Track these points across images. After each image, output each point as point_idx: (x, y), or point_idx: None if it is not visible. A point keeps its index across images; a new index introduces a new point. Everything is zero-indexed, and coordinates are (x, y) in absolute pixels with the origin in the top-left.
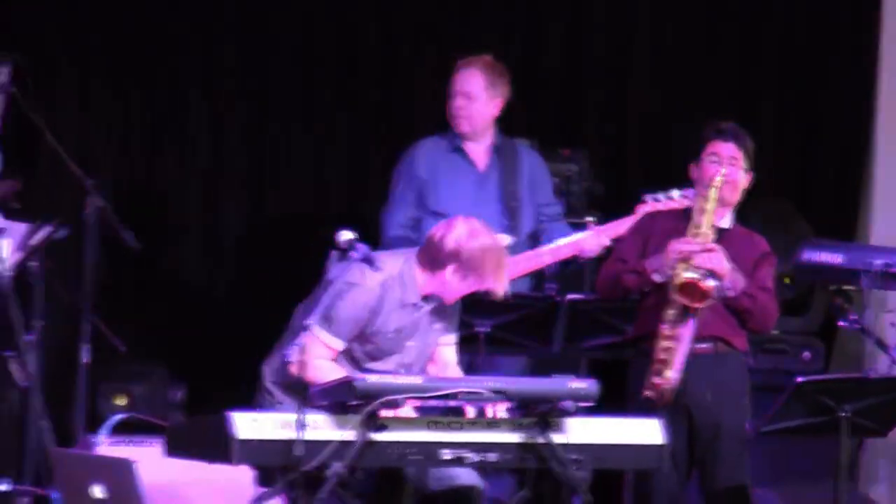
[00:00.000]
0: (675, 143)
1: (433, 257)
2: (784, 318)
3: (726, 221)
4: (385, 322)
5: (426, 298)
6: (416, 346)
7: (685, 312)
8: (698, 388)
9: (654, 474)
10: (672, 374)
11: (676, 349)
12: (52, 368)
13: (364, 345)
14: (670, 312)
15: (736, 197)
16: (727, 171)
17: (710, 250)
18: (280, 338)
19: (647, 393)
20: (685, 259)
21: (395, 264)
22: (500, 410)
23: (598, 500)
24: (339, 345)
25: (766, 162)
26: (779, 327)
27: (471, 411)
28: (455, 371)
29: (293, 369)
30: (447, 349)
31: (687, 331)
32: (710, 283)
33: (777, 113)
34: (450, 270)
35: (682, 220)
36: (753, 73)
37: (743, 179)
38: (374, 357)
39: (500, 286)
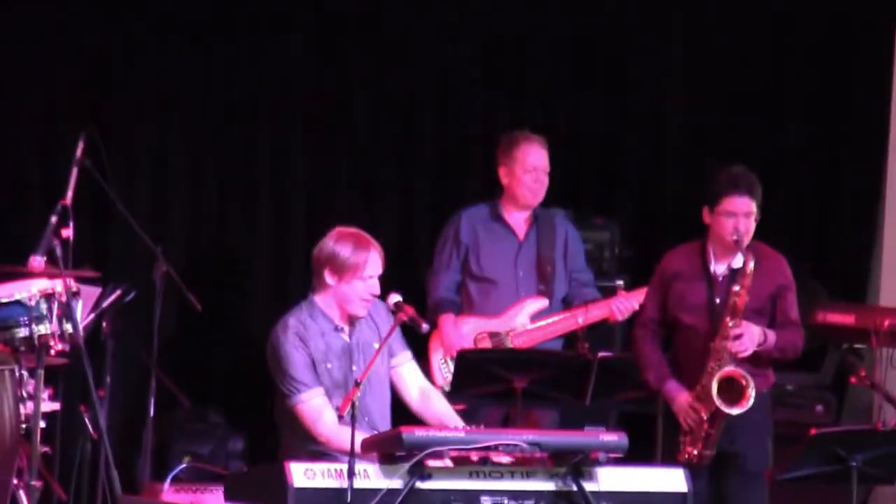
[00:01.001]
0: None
1: (315, 277)
2: (799, 375)
3: (739, 261)
4: (317, 354)
5: (350, 321)
6: (359, 370)
7: (716, 416)
8: (724, 431)
9: None
10: (707, 452)
11: (707, 429)
12: (122, 420)
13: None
14: (701, 405)
15: (748, 240)
16: (743, 224)
17: (738, 337)
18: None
19: (682, 458)
20: (719, 356)
21: (300, 309)
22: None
23: None
24: (320, 391)
25: (786, 231)
26: (794, 382)
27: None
28: (432, 390)
29: (322, 442)
30: (408, 368)
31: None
32: (751, 392)
33: (796, 190)
34: (327, 276)
35: (695, 257)
36: (774, 149)
37: (753, 225)
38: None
39: (375, 268)
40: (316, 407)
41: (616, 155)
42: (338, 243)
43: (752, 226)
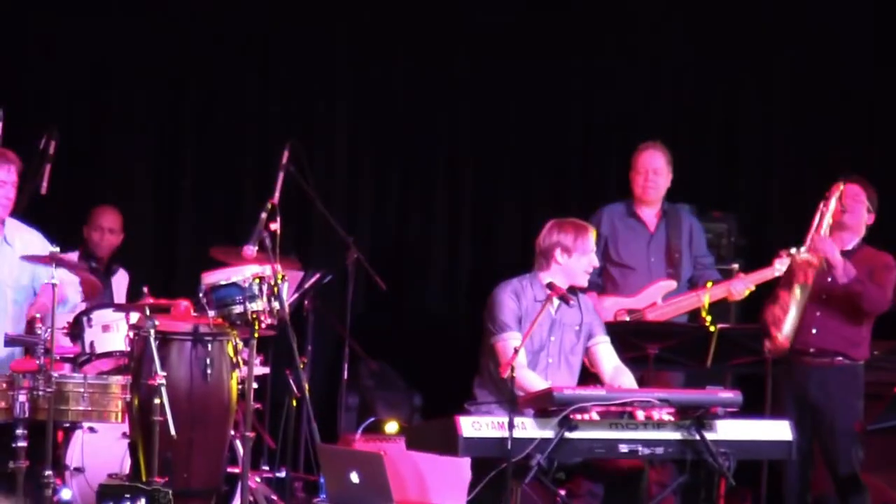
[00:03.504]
0: (810, 206)
1: (543, 256)
2: (886, 342)
3: (853, 244)
4: (526, 312)
5: (561, 297)
6: (556, 341)
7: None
8: (817, 394)
9: (785, 463)
10: (782, 338)
11: (788, 313)
12: (321, 382)
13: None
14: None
15: (859, 226)
16: (849, 204)
17: (821, 240)
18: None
19: (767, 349)
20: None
21: (523, 276)
22: (664, 414)
23: (740, 483)
24: (518, 335)
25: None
26: (881, 348)
27: (640, 415)
28: (623, 369)
29: (503, 374)
30: (604, 347)
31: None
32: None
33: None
34: (557, 254)
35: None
36: (870, 149)
37: (866, 217)
38: (533, 353)
39: (592, 245)
40: (512, 347)
41: (735, 159)
42: (562, 230)
43: (862, 212)
